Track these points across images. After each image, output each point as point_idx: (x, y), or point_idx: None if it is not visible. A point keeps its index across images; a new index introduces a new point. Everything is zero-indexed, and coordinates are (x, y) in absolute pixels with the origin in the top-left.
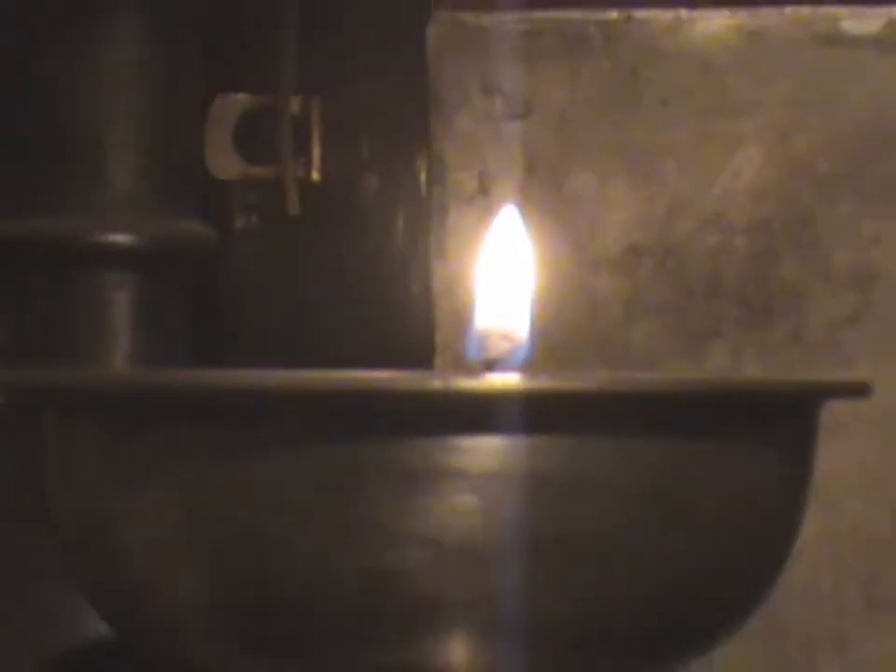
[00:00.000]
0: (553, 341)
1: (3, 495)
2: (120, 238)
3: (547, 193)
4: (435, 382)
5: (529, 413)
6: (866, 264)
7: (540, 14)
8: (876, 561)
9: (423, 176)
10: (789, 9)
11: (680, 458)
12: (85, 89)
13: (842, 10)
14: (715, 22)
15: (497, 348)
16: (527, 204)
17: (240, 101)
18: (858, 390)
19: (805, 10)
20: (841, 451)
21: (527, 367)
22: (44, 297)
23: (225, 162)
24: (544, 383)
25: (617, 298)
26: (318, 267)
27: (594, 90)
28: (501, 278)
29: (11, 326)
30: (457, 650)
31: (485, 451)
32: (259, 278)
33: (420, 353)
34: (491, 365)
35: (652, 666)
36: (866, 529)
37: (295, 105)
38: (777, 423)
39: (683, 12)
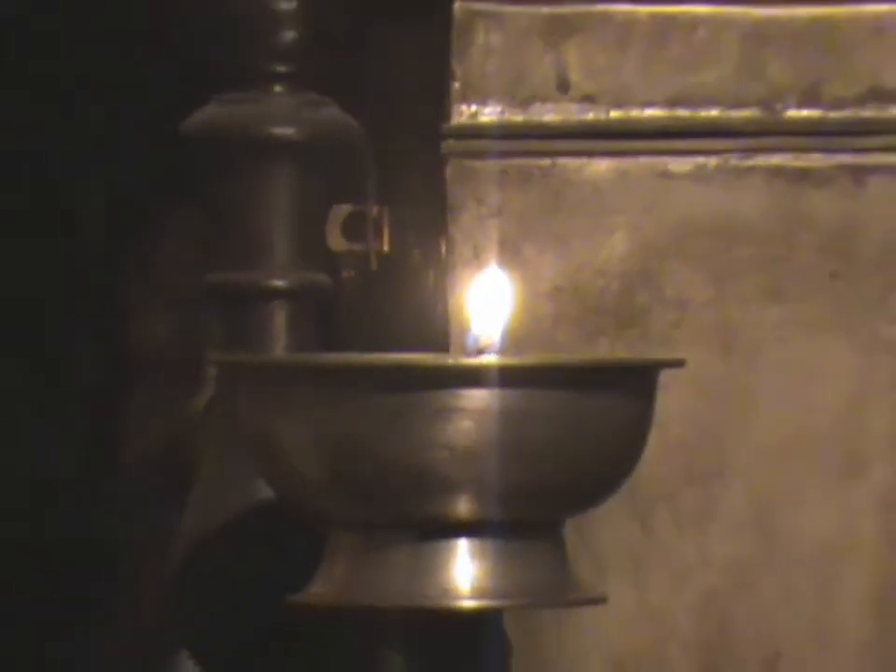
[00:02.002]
0: (515, 339)
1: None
2: (280, 283)
3: (510, 258)
4: (450, 360)
5: (501, 377)
6: (684, 297)
7: (507, 160)
8: (696, 443)
9: (443, 249)
10: (642, 158)
11: (583, 401)
12: (265, 208)
13: (666, 157)
14: (602, 165)
15: (483, 343)
16: (501, 264)
17: (344, 209)
18: (678, 364)
19: (644, 159)
20: (668, 399)
21: (500, 353)
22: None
23: (336, 242)
24: (509, 360)
25: (549, 315)
26: (386, 299)
27: (536, 202)
28: (486, 304)
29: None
30: (462, 504)
31: (477, 398)
32: (354, 306)
33: (442, 346)
34: (480, 352)
35: (566, 513)
36: (684, 436)
37: (374, 211)
38: (635, 382)
39: (584, 159)
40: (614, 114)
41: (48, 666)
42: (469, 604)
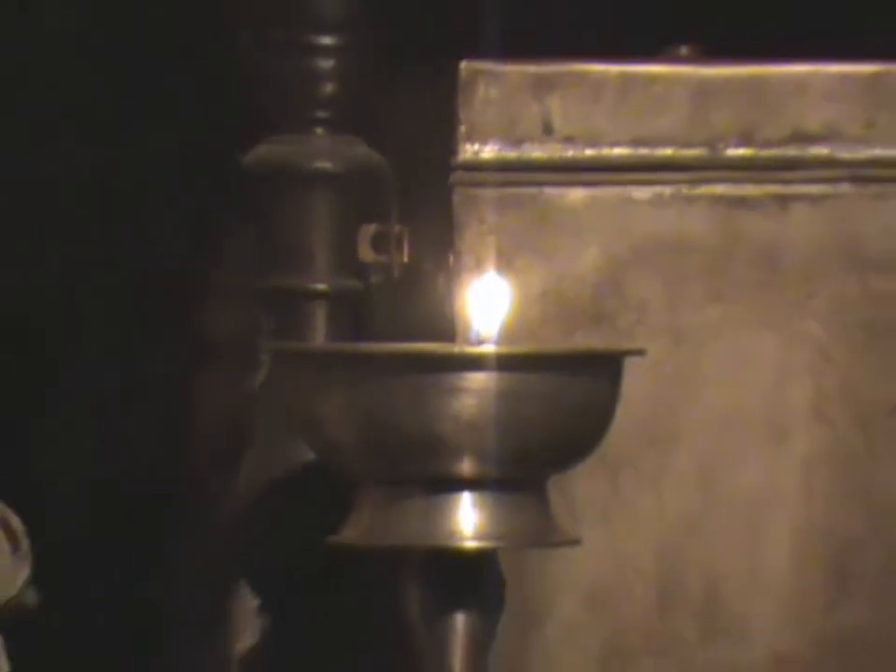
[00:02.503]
0: (508, 333)
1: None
2: (320, 286)
3: (505, 268)
4: (456, 349)
5: (497, 363)
6: (643, 300)
7: (502, 189)
8: (653, 417)
9: (451, 260)
10: (610, 188)
11: (563, 382)
12: (308, 226)
13: (630, 187)
14: (579, 193)
15: (483, 336)
16: (497, 272)
17: (372, 227)
18: (639, 353)
19: (612, 188)
20: (631, 381)
21: (496, 343)
22: None
23: (365, 254)
24: (503, 349)
25: (536, 314)
26: (405, 300)
27: (526, 223)
28: (485, 305)
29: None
30: (465, 465)
31: (478, 379)
32: (379, 306)
33: (450, 338)
34: (480, 342)
35: (549, 472)
36: (644, 411)
37: (396, 230)
38: (605, 368)
39: (564, 188)
40: (588, 152)
41: (136, 603)
42: (471, 544)
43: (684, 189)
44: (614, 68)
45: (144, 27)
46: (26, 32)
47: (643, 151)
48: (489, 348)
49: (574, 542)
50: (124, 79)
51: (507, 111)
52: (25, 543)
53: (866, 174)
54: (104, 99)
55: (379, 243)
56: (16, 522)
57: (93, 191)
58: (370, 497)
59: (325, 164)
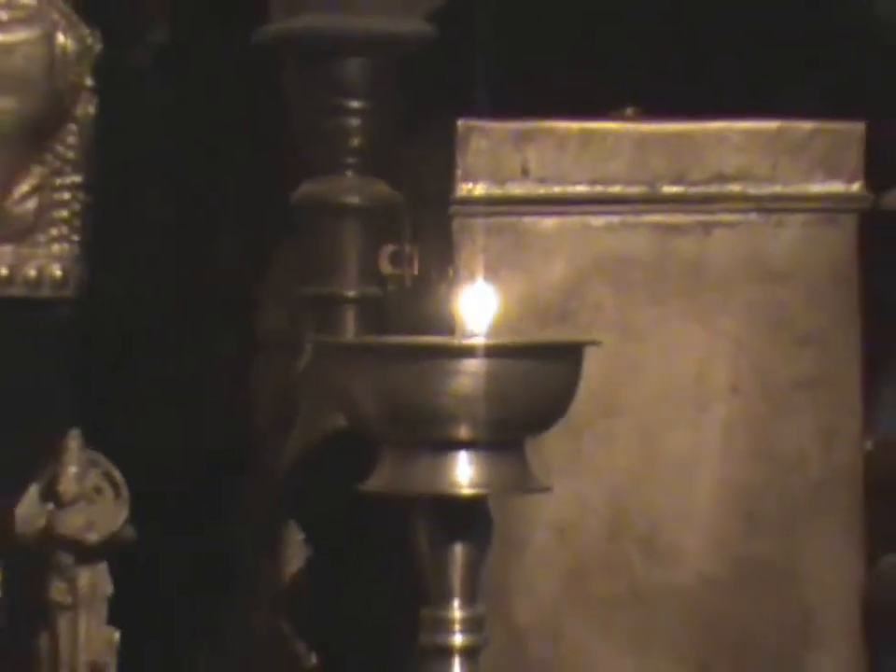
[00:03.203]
0: (495, 328)
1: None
2: (350, 293)
3: (493, 279)
4: (454, 341)
5: (486, 352)
6: (599, 303)
7: (490, 218)
8: (605, 392)
9: (451, 273)
10: (573, 217)
11: (537, 366)
12: (340, 245)
13: (588, 216)
14: (549, 221)
15: (475, 331)
16: (486, 282)
17: (390, 247)
18: (595, 343)
19: (575, 217)
20: (589, 365)
21: (485, 337)
22: None
23: (385, 268)
24: (490, 341)
25: (516, 314)
26: (415, 304)
27: (509, 244)
28: (477, 307)
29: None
30: (461, 430)
31: (471, 364)
32: (395, 308)
33: (449, 333)
34: (473, 336)
35: (526, 435)
36: (599, 388)
37: (408, 249)
38: (569, 355)
39: (538, 217)
40: (556, 189)
41: (212, 536)
42: (466, 491)
43: (630, 218)
44: (575, 125)
45: (216, 100)
46: (129, 105)
47: (598, 188)
48: (479, 340)
49: (545, 489)
50: (203, 139)
51: (493, 158)
52: (124, 491)
53: (770, 206)
54: (188, 153)
55: (395, 259)
56: (118, 475)
57: (181, 222)
58: (388, 455)
59: (353, 199)
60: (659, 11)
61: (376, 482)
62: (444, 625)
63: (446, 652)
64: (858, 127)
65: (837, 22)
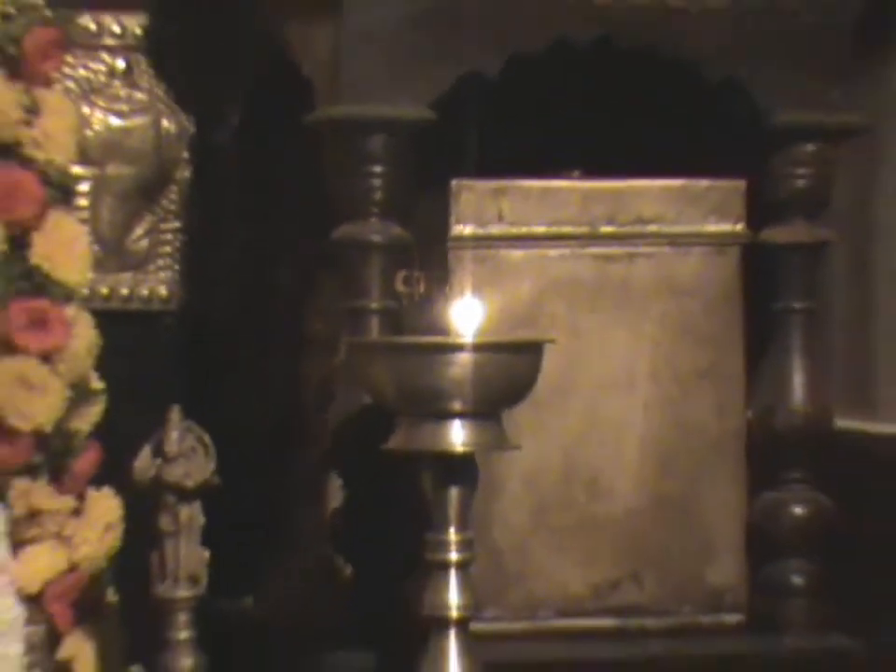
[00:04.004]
0: (481, 331)
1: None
2: (375, 304)
3: (479, 294)
4: (450, 340)
5: (473, 348)
6: (555, 313)
7: (475, 251)
8: (560, 377)
9: (447, 291)
10: (536, 249)
11: (511, 358)
12: (369, 271)
13: (547, 249)
14: (519, 253)
15: (465, 333)
16: (474, 297)
17: (404, 272)
18: (551, 341)
19: (537, 250)
20: (548, 357)
21: (474, 337)
22: None
23: (400, 287)
24: (478, 340)
25: (496, 321)
26: (422, 313)
27: (489, 270)
28: (467, 315)
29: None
30: (455, 404)
31: (463, 357)
32: (408, 317)
33: (446, 334)
34: (464, 336)
35: (503, 408)
36: (556, 374)
37: (416, 274)
38: (532, 350)
39: (510, 250)
40: (523, 230)
41: (272, 485)
42: (459, 448)
43: (576, 251)
44: (536, 183)
45: (278, 165)
46: (215, 171)
47: (553, 229)
48: (468, 340)
49: (515, 447)
50: (268, 194)
51: (477, 208)
52: (212, 450)
53: (678, 241)
54: (257, 205)
55: (407, 281)
56: (207, 438)
57: (252, 255)
58: (402, 424)
59: (376, 238)
60: (600, 103)
61: (394, 442)
62: (443, 546)
63: (445, 566)
64: (740, 184)
65: (721, 112)
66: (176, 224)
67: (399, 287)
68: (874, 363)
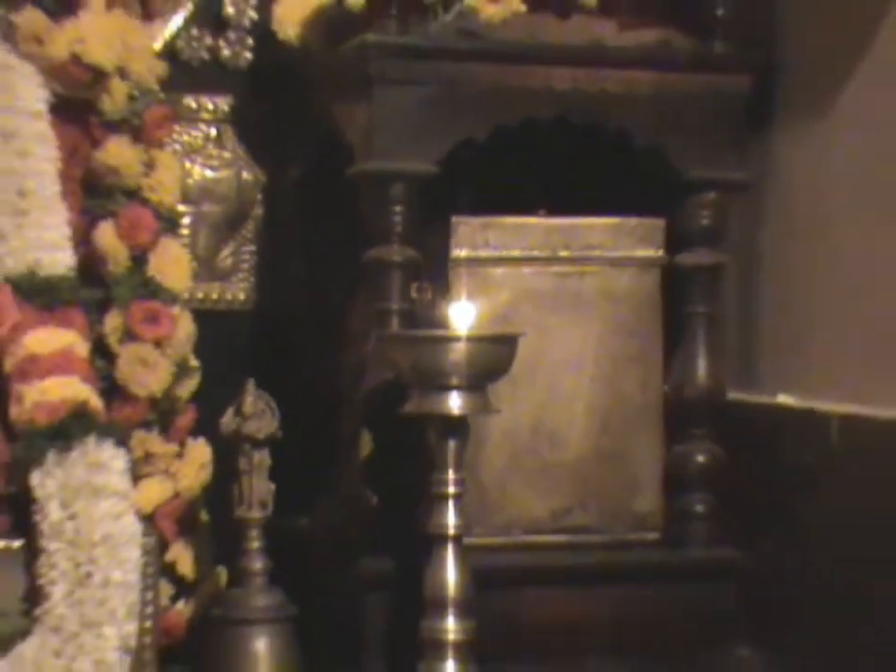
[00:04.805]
0: (474, 327)
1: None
2: (396, 306)
3: (472, 299)
4: (450, 333)
5: (468, 338)
6: (524, 315)
7: (469, 268)
8: (529, 360)
9: (448, 298)
10: (510, 269)
11: (495, 346)
12: (390, 284)
13: (524, 269)
14: (500, 270)
15: (462, 327)
16: (468, 301)
17: (416, 284)
18: (522, 335)
19: (512, 269)
20: (521, 347)
21: (468, 331)
22: None
23: (414, 294)
24: (470, 333)
25: (484, 320)
26: (430, 314)
27: (479, 282)
28: (462, 315)
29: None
30: (452, 379)
31: (460, 345)
32: (419, 316)
33: (448, 328)
34: (460, 330)
35: (487, 382)
36: (526, 358)
37: (426, 286)
38: (508, 342)
39: (493, 269)
40: (503, 253)
41: (321, 439)
42: (456, 412)
43: (541, 269)
44: (511, 219)
45: (327, 206)
46: (281, 209)
47: (525, 253)
48: (463, 333)
49: (497, 411)
50: (320, 227)
51: (471, 236)
52: (276, 412)
53: (616, 263)
54: (313, 234)
55: (419, 290)
56: (273, 403)
57: (309, 271)
58: (415, 394)
59: (397, 258)
60: (560, 162)
61: (409, 408)
62: (443, 482)
63: (444, 497)
64: (660, 222)
65: (647, 168)
66: (252, 247)
67: (413, 294)
68: (754, 351)
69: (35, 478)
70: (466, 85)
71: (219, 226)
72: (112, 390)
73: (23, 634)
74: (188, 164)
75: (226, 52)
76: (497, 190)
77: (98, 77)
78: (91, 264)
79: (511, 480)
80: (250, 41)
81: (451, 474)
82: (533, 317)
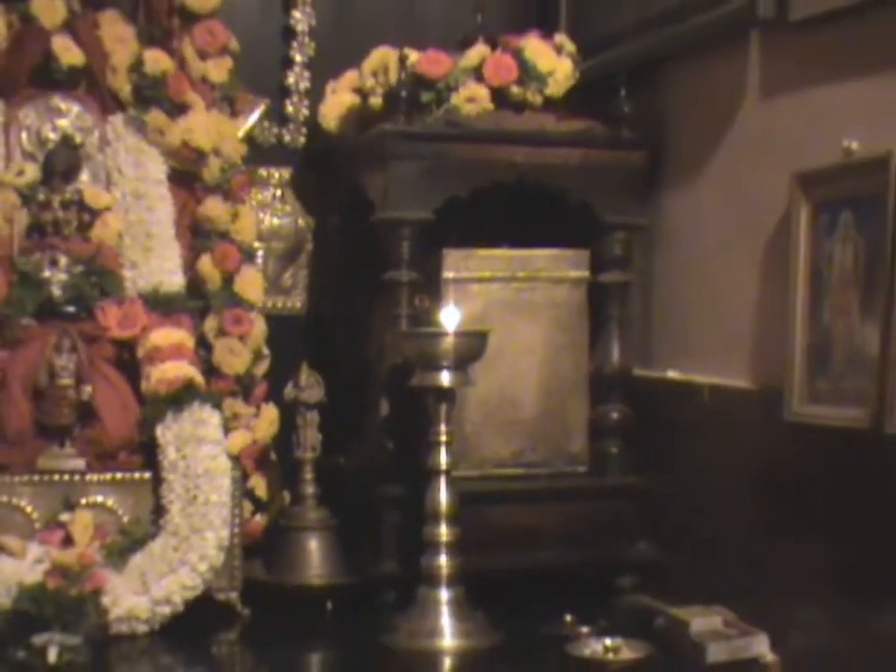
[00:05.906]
0: (460, 326)
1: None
2: (404, 311)
3: (458, 305)
4: (442, 330)
5: (455, 335)
6: (498, 321)
7: (457, 285)
8: (497, 350)
9: (442, 305)
10: (494, 285)
11: (475, 340)
12: (399, 297)
13: (500, 284)
14: (475, 287)
15: (450, 326)
16: (455, 307)
17: (418, 295)
18: (490, 331)
19: (495, 284)
20: (491, 339)
21: (455, 329)
22: None
23: (417, 303)
24: (458, 331)
25: (465, 321)
26: (428, 317)
27: (461, 295)
28: (450, 317)
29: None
30: (444, 362)
31: (449, 338)
32: (420, 318)
33: (440, 328)
34: (448, 329)
35: (469, 363)
36: (496, 349)
37: (426, 299)
38: (482, 336)
39: (478, 286)
40: (478, 274)
41: (353, 405)
42: (446, 384)
43: (505, 286)
44: (485, 251)
45: (358, 245)
46: (324, 247)
47: (494, 274)
48: (450, 330)
49: (473, 384)
50: (353, 258)
51: (456, 264)
52: (322, 385)
53: (555, 280)
54: (348, 263)
55: (421, 300)
56: (320, 378)
57: (344, 286)
58: (418, 372)
59: (405, 279)
60: (519, 211)
61: (414, 382)
62: (437, 433)
63: (438, 444)
64: (586, 252)
65: (579, 215)
66: (305, 272)
67: (416, 303)
68: (652, 341)
69: (159, 430)
70: (452, 159)
71: (282, 257)
72: (210, 370)
73: (153, 535)
74: (261, 215)
75: (287, 137)
76: (474, 232)
77: (201, 156)
78: (195, 284)
79: (484, 431)
80: (304, 130)
81: (443, 427)
82: (499, 319)
